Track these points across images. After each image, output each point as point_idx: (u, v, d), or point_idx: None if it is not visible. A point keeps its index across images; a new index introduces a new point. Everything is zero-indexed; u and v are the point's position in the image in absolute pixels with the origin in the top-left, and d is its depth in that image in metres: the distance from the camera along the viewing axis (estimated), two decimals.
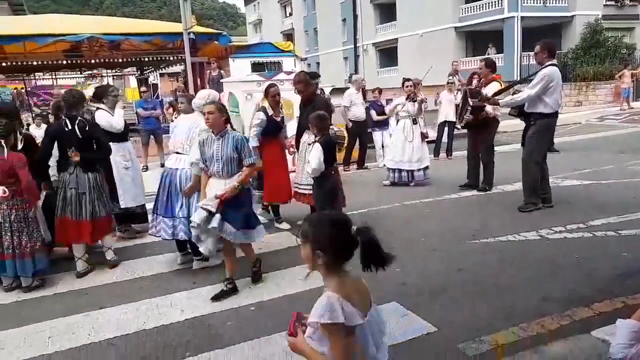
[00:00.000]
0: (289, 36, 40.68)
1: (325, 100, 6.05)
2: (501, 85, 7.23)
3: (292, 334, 1.88)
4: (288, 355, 3.05)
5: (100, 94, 5.80)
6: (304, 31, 47.50)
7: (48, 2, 74.28)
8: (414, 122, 8.02)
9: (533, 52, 6.68)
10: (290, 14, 50.35)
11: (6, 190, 4.32)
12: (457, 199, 7.14)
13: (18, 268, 4.39)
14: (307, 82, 5.92)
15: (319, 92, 7.50)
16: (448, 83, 10.75)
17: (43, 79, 19.94)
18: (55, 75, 20.13)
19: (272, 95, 5.92)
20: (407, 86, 8.12)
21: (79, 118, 4.83)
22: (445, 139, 10.71)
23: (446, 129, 10.62)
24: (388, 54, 36.35)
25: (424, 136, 8.13)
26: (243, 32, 68.57)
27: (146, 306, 4.01)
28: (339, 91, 10.84)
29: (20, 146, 4.66)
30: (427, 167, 8.12)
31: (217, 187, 4.07)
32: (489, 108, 7.03)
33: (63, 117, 4.93)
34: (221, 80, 10.56)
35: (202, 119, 4.76)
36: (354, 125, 9.49)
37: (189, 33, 10.05)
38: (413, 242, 5.30)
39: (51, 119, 6.11)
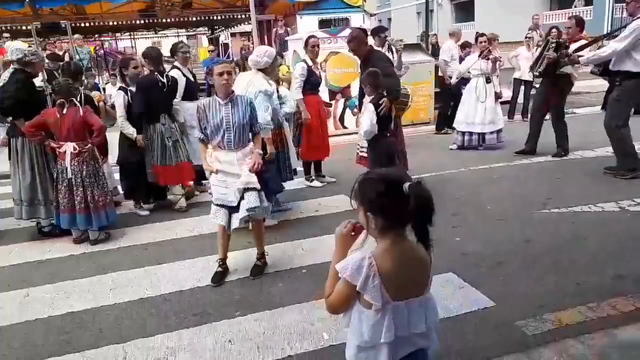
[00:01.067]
0: None
1: (384, 56, 5.66)
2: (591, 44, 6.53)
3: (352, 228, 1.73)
4: (336, 322, 3.00)
5: (173, 51, 6.02)
6: None
7: None
8: (487, 80, 7.49)
9: (625, 3, 5.94)
10: None
11: (76, 146, 4.50)
12: (529, 165, 6.67)
13: (93, 220, 4.62)
14: (360, 40, 5.41)
15: (386, 47, 7.16)
16: (526, 38, 9.94)
17: (120, 39, 20.75)
18: (133, 35, 20.88)
19: (311, 45, 5.91)
20: (481, 42, 7.57)
21: (165, 73, 5.31)
22: (521, 99, 10.00)
23: (522, 88, 9.89)
24: (464, 8, 34.36)
25: (497, 96, 7.60)
26: None
27: (202, 264, 4.09)
28: (410, 47, 10.34)
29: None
30: (500, 130, 7.62)
31: (227, 160, 3.64)
32: (568, 68, 6.38)
33: (154, 72, 5.32)
34: (286, 38, 10.42)
35: (259, 76, 4.67)
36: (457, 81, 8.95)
37: None
38: (478, 210, 5.02)
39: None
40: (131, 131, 5.25)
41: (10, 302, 3.69)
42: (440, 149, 7.91)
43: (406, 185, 1.57)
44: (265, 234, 4.65)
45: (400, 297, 1.63)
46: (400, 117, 6.01)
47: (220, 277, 3.81)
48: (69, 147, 4.50)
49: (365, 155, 5.57)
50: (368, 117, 4.48)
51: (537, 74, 6.85)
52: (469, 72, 7.69)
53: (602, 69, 5.79)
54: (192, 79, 6.02)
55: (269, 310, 3.32)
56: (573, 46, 6.45)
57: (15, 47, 4.85)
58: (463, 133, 7.72)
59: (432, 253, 1.68)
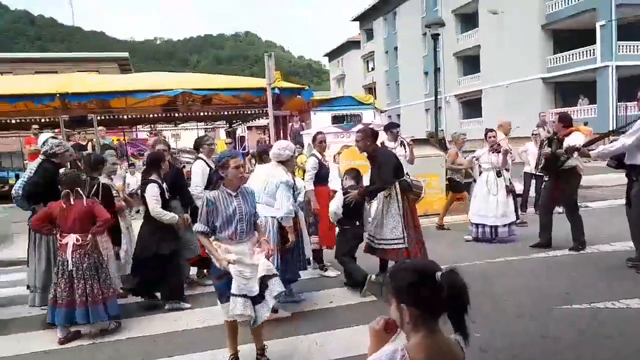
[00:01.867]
0: (370, 90, 41.39)
1: (389, 153, 5.88)
2: (586, 134, 6.75)
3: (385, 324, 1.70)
4: None
5: (198, 144, 6.26)
6: (385, 85, 48.24)
7: (153, 62, 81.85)
8: (498, 174, 7.62)
9: (631, 103, 6.15)
10: (373, 69, 51.48)
11: (79, 238, 4.47)
12: (546, 258, 6.58)
13: (90, 315, 4.43)
14: (366, 137, 5.54)
15: (398, 142, 7.42)
16: (533, 134, 10.24)
17: (142, 131, 21.64)
18: (153, 128, 21.79)
19: (319, 141, 6.34)
20: (490, 137, 7.78)
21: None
22: (533, 192, 10.09)
23: (533, 181, 10.02)
24: (471, 105, 35.78)
25: (509, 189, 7.68)
26: (327, 87, 71.06)
27: (211, 357, 3.96)
28: (419, 142, 10.67)
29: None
30: (512, 223, 7.62)
31: (238, 251, 3.61)
32: (573, 161, 6.54)
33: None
34: (301, 132, 10.82)
35: (280, 168, 4.82)
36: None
37: (272, 88, 10.48)
38: (496, 304, 4.88)
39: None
40: (170, 216, 5.06)
41: None
42: (454, 241, 7.86)
43: (439, 274, 1.58)
44: (279, 327, 4.56)
45: None
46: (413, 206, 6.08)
47: None
48: (71, 239, 4.45)
49: (388, 247, 5.53)
50: (335, 203, 5.24)
51: (539, 170, 6.99)
52: (480, 166, 7.84)
53: (617, 162, 5.88)
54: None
55: None
56: (567, 140, 6.63)
57: (46, 139, 5.11)
58: (477, 225, 7.72)
59: (464, 348, 1.65)
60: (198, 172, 5.87)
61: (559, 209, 7.53)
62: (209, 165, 5.95)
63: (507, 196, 7.60)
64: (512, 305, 4.86)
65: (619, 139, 5.75)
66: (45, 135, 5.29)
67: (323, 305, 5.16)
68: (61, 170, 5.49)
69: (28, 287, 5.13)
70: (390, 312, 1.67)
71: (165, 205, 5.11)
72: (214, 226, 3.62)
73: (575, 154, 6.42)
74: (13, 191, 5.08)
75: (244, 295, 3.53)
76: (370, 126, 6.60)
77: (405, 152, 7.46)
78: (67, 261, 4.43)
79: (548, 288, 5.32)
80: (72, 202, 4.52)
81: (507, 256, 6.70)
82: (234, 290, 3.51)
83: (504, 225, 7.53)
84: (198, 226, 3.64)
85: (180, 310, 5.14)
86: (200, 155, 6.10)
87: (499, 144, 7.70)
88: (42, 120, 12.50)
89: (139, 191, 5.51)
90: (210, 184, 5.84)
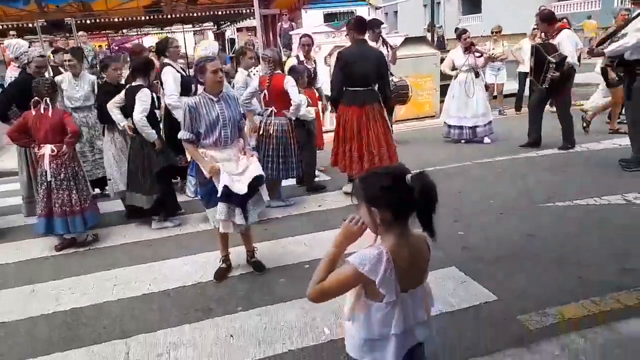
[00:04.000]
0: None
1: (352, 53, 5.22)
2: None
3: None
4: (336, 317, 3.01)
5: (163, 48, 5.64)
6: None
7: None
8: (476, 75, 7.52)
9: None
10: None
11: (54, 148, 4.40)
12: (534, 158, 6.63)
13: (69, 226, 4.49)
14: (350, 32, 5.20)
15: (380, 42, 7.10)
16: (533, 29, 9.84)
17: (125, 36, 20.79)
18: (139, 31, 20.92)
19: (302, 44, 6.27)
20: (464, 38, 7.52)
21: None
22: (527, 92, 9.92)
23: (528, 80, 9.82)
24: (471, 1, 34.06)
25: (487, 88, 7.61)
26: None
27: (204, 259, 4.11)
28: (415, 40, 10.26)
29: None
30: (490, 122, 7.63)
31: (224, 158, 3.60)
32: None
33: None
34: (290, 32, 10.39)
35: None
36: None
37: None
38: (480, 204, 4.99)
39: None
40: (150, 132, 4.69)
41: (16, 297, 3.74)
42: (442, 143, 7.87)
43: (409, 176, 1.60)
44: (268, 228, 4.70)
45: (407, 288, 1.69)
46: (393, 108, 5.95)
47: (223, 273, 3.82)
48: (47, 150, 4.40)
49: None
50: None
51: (547, 86, 6.66)
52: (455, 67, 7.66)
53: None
54: (186, 74, 5.82)
55: (270, 306, 3.34)
56: (560, 38, 6.42)
57: (11, 45, 4.90)
58: (454, 127, 7.75)
59: (434, 242, 1.71)
60: (169, 80, 5.32)
61: (550, 108, 7.46)
62: (178, 71, 5.52)
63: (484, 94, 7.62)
64: (496, 204, 4.97)
65: (630, 34, 5.50)
66: (9, 42, 5.03)
67: (312, 209, 5.27)
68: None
69: (22, 197, 5.20)
70: (361, 215, 1.70)
71: (153, 117, 4.78)
72: (198, 133, 3.57)
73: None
74: None
75: (229, 200, 3.54)
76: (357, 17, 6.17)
77: (388, 52, 7.21)
78: (46, 171, 4.41)
79: (534, 187, 5.41)
80: (43, 112, 4.39)
81: (495, 156, 6.74)
82: (219, 194, 3.51)
83: (484, 125, 7.56)
84: (183, 134, 3.58)
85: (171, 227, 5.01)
86: (167, 60, 5.54)
87: (472, 44, 7.51)
88: (19, 25, 11.90)
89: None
90: (187, 91, 5.50)
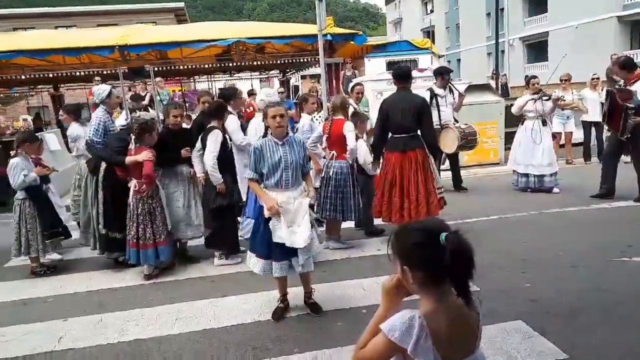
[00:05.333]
0: (428, 33, 39.68)
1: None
2: None
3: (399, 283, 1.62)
4: None
5: (228, 97, 5.77)
6: (444, 28, 46.14)
7: (208, 12, 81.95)
8: (544, 122, 7.32)
9: None
10: (432, 11, 49.19)
11: (137, 184, 4.68)
12: (606, 209, 6.29)
13: (141, 257, 4.72)
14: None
15: (447, 89, 7.17)
16: (592, 79, 9.56)
17: (200, 81, 21.98)
18: (210, 78, 22.10)
19: (356, 92, 6.51)
20: (534, 83, 7.40)
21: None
22: (593, 141, 9.58)
23: (593, 130, 9.49)
24: (537, 49, 33.64)
25: (554, 137, 7.40)
26: (383, 32, 68.80)
27: (263, 298, 4.15)
28: (479, 87, 10.19)
29: None
30: (556, 173, 7.37)
31: (284, 200, 3.66)
32: None
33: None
34: (353, 80, 10.62)
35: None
36: None
37: (324, 34, 10.27)
38: (549, 255, 4.76)
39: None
40: (217, 178, 4.82)
41: (85, 326, 3.91)
42: (508, 191, 7.65)
43: (443, 235, 1.48)
44: (326, 270, 4.70)
45: (451, 357, 1.53)
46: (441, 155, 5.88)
47: (281, 312, 3.85)
48: (132, 184, 4.74)
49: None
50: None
51: (627, 136, 6.33)
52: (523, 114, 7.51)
53: None
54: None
55: (327, 349, 3.30)
56: (635, 86, 6.19)
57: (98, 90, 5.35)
58: (521, 174, 7.54)
59: (478, 309, 1.59)
60: (235, 127, 5.51)
61: (625, 158, 7.11)
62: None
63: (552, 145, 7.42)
64: (566, 256, 4.72)
65: None
66: (101, 87, 5.47)
67: (371, 252, 5.23)
68: (121, 120, 5.75)
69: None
70: (398, 271, 1.61)
71: (224, 160, 4.92)
72: (261, 173, 3.73)
73: None
74: (90, 138, 5.16)
75: (269, 257, 3.71)
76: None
77: (454, 99, 7.28)
78: (131, 204, 4.73)
79: (606, 240, 5.11)
80: (134, 149, 4.73)
81: (564, 207, 6.46)
82: (274, 238, 3.64)
83: (550, 175, 7.31)
84: (249, 173, 3.79)
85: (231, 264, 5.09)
86: (230, 109, 5.51)
87: (543, 91, 7.35)
88: (104, 72, 12.94)
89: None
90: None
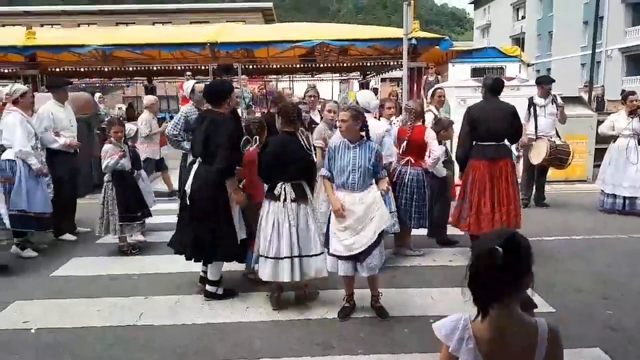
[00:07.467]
0: (517, 40, 38.05)
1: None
2: None
3: None
4: None
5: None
6: (536, 35, 43.99)
7: (294, 12, 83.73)
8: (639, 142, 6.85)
9: None
10: (523, 17, 47.11)
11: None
12: None
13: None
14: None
15: (549, 98, 6.98)
16: None
17: (282, 80, 22.56)
18: (292, 77, 22.63)
19: (437, 96, 6.41)
20: (632, 100, 6.91)
21: None
22: None
23: None
24: (638, 61, 31.25)
25: None
26: (470, 37, 66.81)
27: (331, 296, 4.21)
28: (570, 100, 9.65)
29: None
30: None
31: (349, 202, 3.74)
32: None
33: None
34: (436, 85, 10.46)
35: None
36: None
37: (409, 38, 10.20)
38: (634, 282, 4.44)
39: None
40: None
41: (162, 305, 4.18)
42: (593, 211, 7.23)
43: (500, 250, 1.44)
44: (395, 276, 4.69)
45: None
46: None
47: (346, 312, 3.91)
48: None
49: None
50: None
51: None
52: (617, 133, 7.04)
53: None
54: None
55: (392, 355, 3.32)
56: None
57: (192, 85, 5.59)
58: (608, 195, 7.09)
59: (544, 329, 1.54)
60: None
61: None
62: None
63: None
64: None
65: None
66: (188, 83, 5.77)
67: (442, 262, 5.16)
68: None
69: None
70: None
71: None
72: (332, 172, 3.87)
73: None
74: (166, 131, 5.68)
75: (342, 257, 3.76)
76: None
77: (557, 111, 7.00)
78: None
79: None
80: (250, 149, 4.63)
81: None
82: (331, 249, 3.80)
83: None
84: (322, 170, 3.95)
85: None
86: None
87: (639, 107, 6.88)
88: (194, 67, 13.64)
89: None
90: None
